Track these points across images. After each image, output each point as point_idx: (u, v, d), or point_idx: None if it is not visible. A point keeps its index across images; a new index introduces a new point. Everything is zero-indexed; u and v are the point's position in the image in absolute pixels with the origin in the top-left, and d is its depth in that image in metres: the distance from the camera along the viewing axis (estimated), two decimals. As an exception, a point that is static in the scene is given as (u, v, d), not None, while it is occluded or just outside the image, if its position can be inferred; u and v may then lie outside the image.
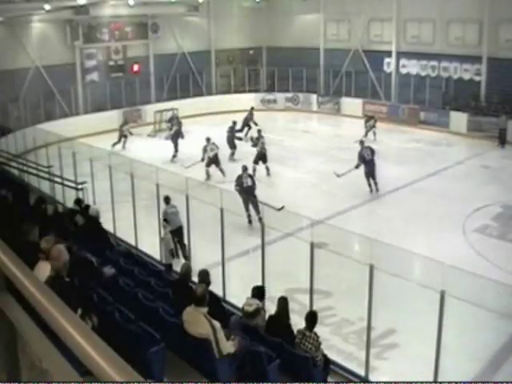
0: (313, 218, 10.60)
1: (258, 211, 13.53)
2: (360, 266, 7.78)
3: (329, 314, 9.49)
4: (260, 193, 14.56)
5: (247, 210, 14.12)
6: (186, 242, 11.46)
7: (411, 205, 15.43)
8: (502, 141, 21.64)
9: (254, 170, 17.54)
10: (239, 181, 14.61)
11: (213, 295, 6.89)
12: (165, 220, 10.96)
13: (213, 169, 18.20)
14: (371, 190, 16.57)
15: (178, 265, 9.71)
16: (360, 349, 8.30)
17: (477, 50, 23.89)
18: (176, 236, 11.62)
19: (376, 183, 16.54)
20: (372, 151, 16.93)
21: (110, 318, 5.38)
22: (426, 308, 8.06)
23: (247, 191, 14.33)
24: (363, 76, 27.82)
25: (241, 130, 22.48)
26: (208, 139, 18.51)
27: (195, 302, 5.70)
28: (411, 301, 9.39)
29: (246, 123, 23.00)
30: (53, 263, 4.59)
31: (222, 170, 18.12)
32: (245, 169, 15.15)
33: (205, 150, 18.28)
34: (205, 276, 7.06)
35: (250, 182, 14.58)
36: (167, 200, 11.83)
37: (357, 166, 16.65)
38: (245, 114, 23.68)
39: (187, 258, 11.40)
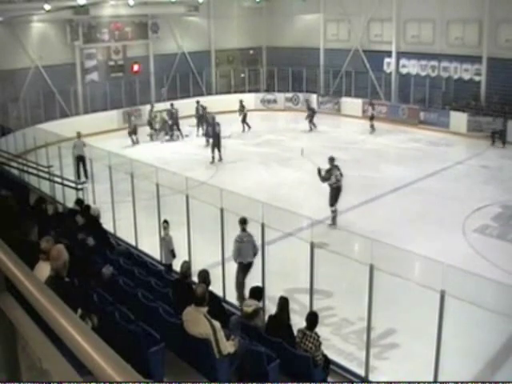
0: (313, 218, 10.62)
1: (219, 153, 19.90)
2: (360, 266, 7.78)
3: (329, 313, 9.49)
4: (260, 192, 14.57)
5: (212, 152, 19.80)
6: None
7: (411, 205, 15.42)
8: (494, 140, 21.88)
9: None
10: (211, 128, 20.53)
11: (213, 295, 6.90)
12: (165, 221, 10.97)
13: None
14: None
15: (177, 265, 9.71)
16: (360, 349, 8.30)
17: (477, 50, 23.89)
18: (81, 161, 17.24)
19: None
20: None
21: (110, 318, 5.37)
22: (425, 308, 8.06)
23: (215, 136, 19.93)
24: (363, 76, 27.82)
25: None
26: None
27: (195, 302, 5.70)
28: (411, 301, 9.38)
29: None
30: (53, 263, 4.58)
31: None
32: (213, 118, 20.90)
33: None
34: (205, 276, 7.06)
35: (217, 130, 20.11)
36: (78, 135, 17.87)
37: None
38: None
39: (87, 177, 16.17)
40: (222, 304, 7.84)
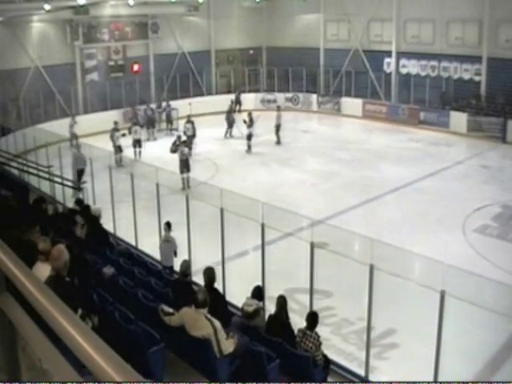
0: (313, 217, 10.62)
1: (153, 132, 24.40)
2: (360, 266, 7.78)
3: (329, 314, 9.49)
4: (260, 192, 14.59)
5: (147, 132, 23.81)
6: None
7: (411, 205, 15.42)
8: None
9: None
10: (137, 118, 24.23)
11: (217, 292, 6.91)
12: (167, 224, 10.96)
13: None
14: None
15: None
16: (360, 349, 8.30)
17: (477, 50, 23.89)
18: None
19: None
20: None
21: (110, 318, 5.37)
22: (425, 308, 8.06)
23: (149, 120, 24.37)
24: (363, 76, 27.82)
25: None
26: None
27: (196, 305, 5.65)
28: (411, 301, 9.39)
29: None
30: (53, 263, 4.57)
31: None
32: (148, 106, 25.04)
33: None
34: (210, 273, 7.04)
35: (149, 114, 24.59)
36: None
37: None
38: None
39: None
40: (227, 302, 7.77)
